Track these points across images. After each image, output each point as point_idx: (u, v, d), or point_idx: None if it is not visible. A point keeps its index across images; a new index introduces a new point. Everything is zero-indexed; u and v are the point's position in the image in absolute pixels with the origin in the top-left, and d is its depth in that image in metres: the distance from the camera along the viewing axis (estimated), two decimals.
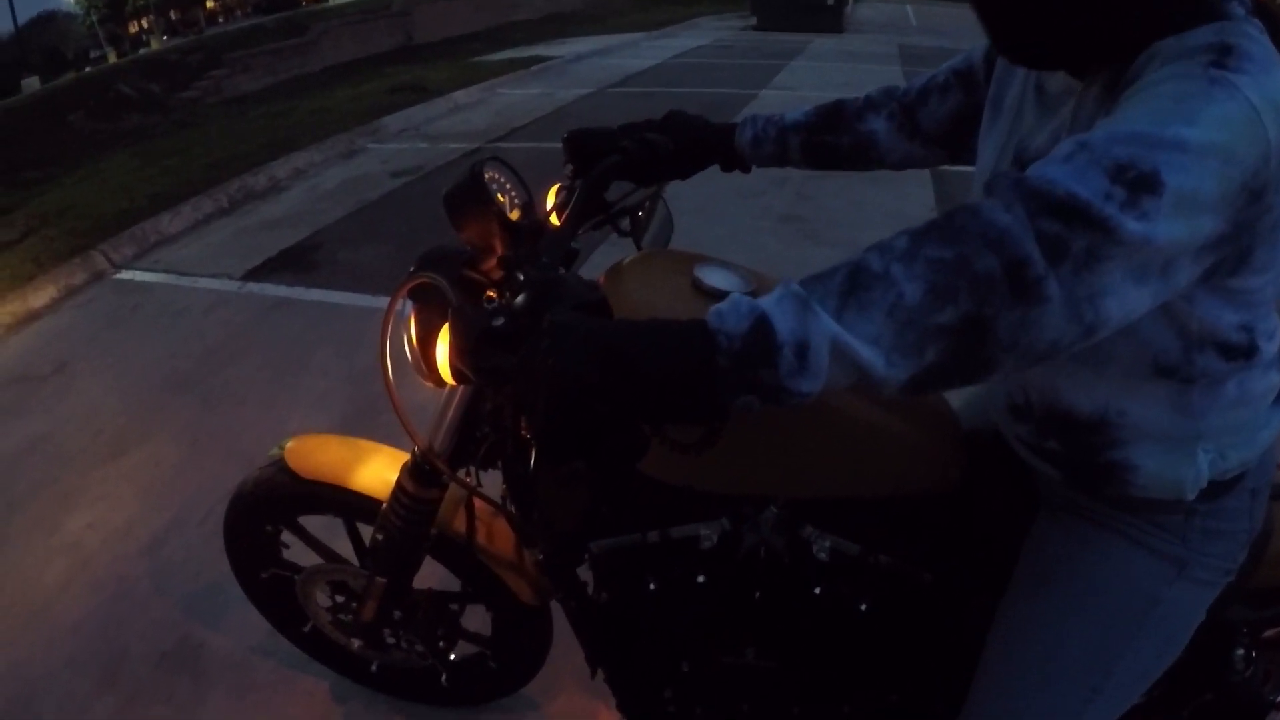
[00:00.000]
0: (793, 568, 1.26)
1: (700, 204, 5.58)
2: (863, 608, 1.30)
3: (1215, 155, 0.69)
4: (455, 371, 0.93)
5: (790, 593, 1.30)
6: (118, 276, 4.97)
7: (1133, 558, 1.10)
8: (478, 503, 1.54)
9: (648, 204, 1.33)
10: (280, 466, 1.67)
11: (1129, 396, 0.98)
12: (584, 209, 1.25)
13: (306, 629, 1.92)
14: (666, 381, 0.69)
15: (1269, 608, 1.37)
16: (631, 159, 1.31)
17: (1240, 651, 1.40)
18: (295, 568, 1.83)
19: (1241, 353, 0.94)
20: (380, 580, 1.62)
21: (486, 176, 1.22)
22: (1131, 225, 0.67)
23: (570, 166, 1.33)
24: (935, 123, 1.32)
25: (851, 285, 0.68)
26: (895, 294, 0.67)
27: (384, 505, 1.55)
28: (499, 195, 1.23)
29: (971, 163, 1.22)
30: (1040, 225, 0.67)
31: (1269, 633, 1.54)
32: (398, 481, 1.50)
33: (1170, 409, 0.98)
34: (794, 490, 1.22)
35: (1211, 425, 0.99)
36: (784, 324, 0.67)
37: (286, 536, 1.81)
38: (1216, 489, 1.04)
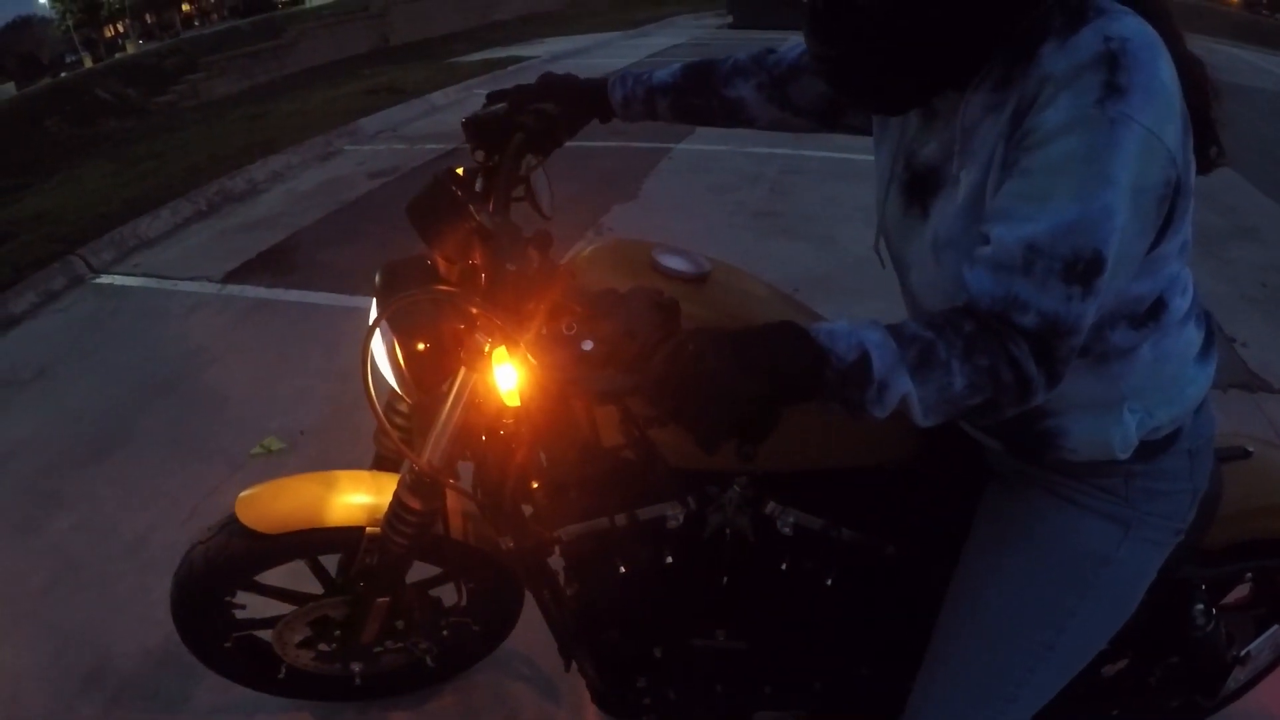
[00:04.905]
0: (759, 544, 1.30)
1: (676, 201, 5.63)
2: (829, 581, 1.35)
3: (1135, 194, 0.85)
4: (540, 393, 1.02)
5: (757, 569, 1.34)
6: (97, 281, 4.96)
7: (1080, 520, 1.15)
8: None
9: (533, 172, 1.36)
10: (233, 530, 1.60)
11: None
12: (508, 188, 1.28)
13: (281, 675, 1.89)
14: (787, 379, 0.86)
15: (1222, 566, 1.43)
16: (532, 133, 1.35)
17: (1199, 606, 1.45)
18: (261, 623, 1.80)
19: (1151, 317, 1.01)
20: (382, 600, 1.64)
21: (452, 183, 1.20)
22: (1094, 308, 0.87)
23: (480, 152, 1.37)
24: (806, 99, 1.37)
25: (920, 362, 0.87)
26: (948, 380, 0.87)
27: (370, 530, 1.55)
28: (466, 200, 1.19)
29: (847, 132, 1.37)
30: (1033, 347, 0.88)
31: (1228, 598, 1.60)
32: (396, 500, 1.48)
33: (1091, 379, 1.04)
34: (764, 462, 1.26)
35: (1133, 386, 1.05)
36: (879, 366, 0.86)
37: (242, 596, 1.75)
38: (1151, 449, 1.10)
